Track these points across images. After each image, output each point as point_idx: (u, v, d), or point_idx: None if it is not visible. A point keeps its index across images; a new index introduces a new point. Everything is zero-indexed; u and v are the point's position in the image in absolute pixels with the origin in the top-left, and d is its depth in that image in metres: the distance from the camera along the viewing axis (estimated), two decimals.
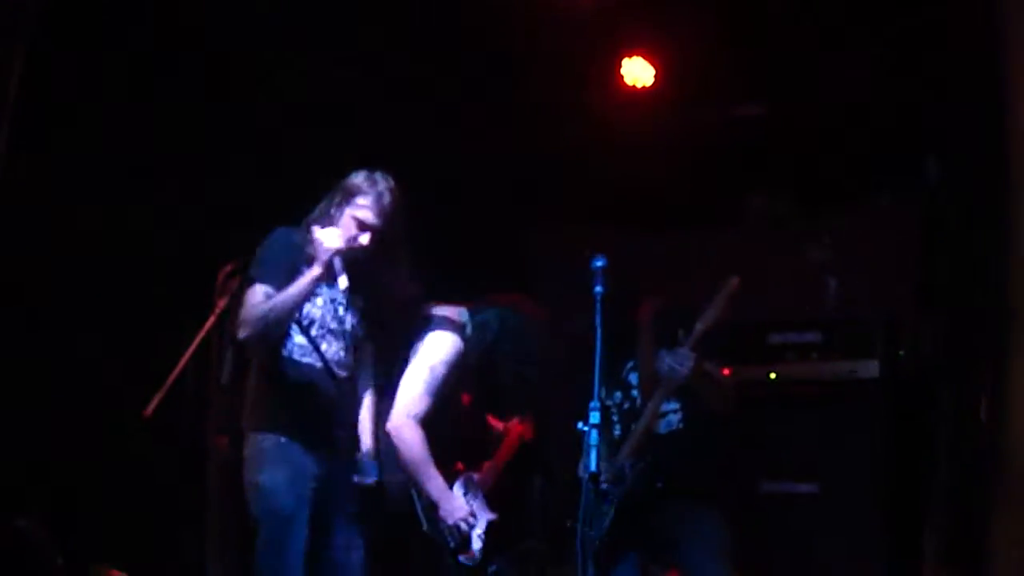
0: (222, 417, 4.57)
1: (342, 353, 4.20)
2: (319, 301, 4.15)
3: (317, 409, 4.12)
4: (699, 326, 4.20)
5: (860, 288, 5.82)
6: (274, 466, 4.02)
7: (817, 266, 6.04)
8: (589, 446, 3.73)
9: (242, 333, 4.04)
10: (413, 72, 5.82)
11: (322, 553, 4.05)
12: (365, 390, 4.38)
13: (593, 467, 3.72)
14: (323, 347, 4.15)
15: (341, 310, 4.19)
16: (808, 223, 6.29)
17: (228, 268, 4.22)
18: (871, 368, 5.32)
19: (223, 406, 4.54)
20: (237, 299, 4.07)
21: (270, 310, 3.99)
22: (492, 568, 5.44)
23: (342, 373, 4.20)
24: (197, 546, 4.93)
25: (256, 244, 4.10)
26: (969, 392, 4.64)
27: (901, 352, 5.41)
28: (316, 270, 4.00)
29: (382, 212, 4.14)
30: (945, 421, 4.86)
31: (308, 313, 4.13)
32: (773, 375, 5.58)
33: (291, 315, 4.05)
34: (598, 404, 3.75)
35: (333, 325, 4.18)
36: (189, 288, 4.56)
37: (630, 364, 4.48)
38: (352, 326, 4.23)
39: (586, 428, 3.76)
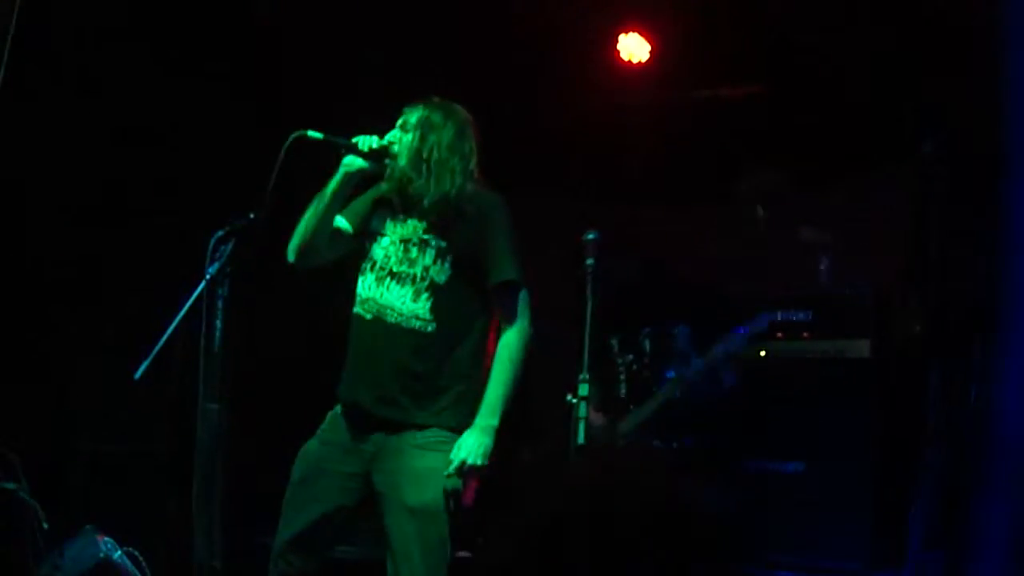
0: (212, 385, 4.55)
1: (406, 299, 3.72)
2: (384, 240, 3.83)
3: (367, 365, 3.77)
4: (719, 351, 4.37)
5: (852, 267, 5.82)
6: (319, 431, 3.86)
7: (809, 244, 6.04)
8: (578, 419, 3.74)
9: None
10: (406, 50, 5.81)
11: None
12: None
13: (581, 439, 3.73)
14: (379, 292, 3.75)
15: (414, 251, 3.77)
16: (802, 201, 6.29)
17: (220, 233, 4.19)
18: (862, 347, 5.31)
19: (213, 374, 4.51)
20: (228, 264, 4.04)
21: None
22: (480, 539, 5.46)
23: (401, 322, 3.72)
24: (184, 515, 4.92)
25: (249, 209, 4.05)
26: (960, 373, 4.65)
27: (892, 332, 5.41)
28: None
29: (408, 113, 3.84)
30: (935, 402, 4.86)
31: (371, 254, 3.84)
32: (763, 353, 5.57)
33: (319, 221, 3.80)
34: (588, 376, 3.76)
35: (399, 268, 3.76)
36: (183, 252, 4.53)
37: (647, 330, 4.54)
38: (424, 268, 3.74)
39: (575, 400, 3.78)
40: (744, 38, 5.66)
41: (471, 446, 3.61)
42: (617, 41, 5.97)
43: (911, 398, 5.08)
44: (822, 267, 5.74)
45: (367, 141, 3.75)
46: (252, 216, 4.36)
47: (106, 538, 4.75)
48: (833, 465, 5.28)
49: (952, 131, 4.89)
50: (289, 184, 4.11)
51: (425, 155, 3.76)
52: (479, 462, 3.60)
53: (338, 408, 3.85)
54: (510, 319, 3.73)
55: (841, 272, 5.78)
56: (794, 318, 5.52)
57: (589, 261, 3.92)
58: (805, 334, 5.49)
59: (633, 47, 5.97)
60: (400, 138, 3.80)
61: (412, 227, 3.79)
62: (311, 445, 3.86)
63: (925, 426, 4.92)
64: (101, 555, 4.67)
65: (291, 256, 3.88)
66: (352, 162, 3.78)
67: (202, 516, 4.68)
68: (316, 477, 3.80)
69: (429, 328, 3.70)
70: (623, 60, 5.98)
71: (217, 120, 5.55)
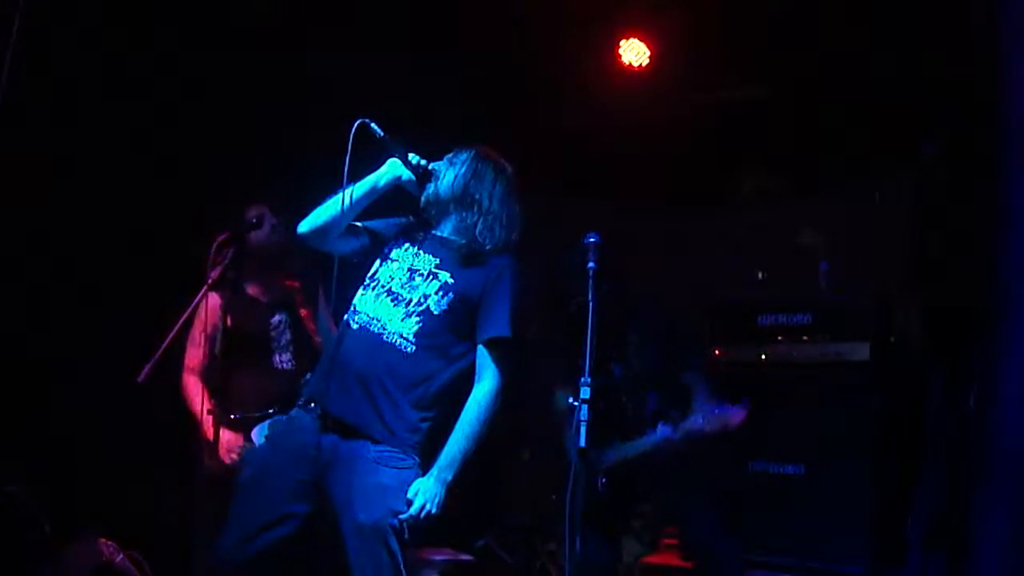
0: (213, 389, 4.55)
1: (395, 318, 3.74)
2: (394, 265, 3.88)
3: (339, 368, 3.73)
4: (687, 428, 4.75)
5: (852, 271, 5.83)
6: (270, 435, 3.85)
7: (809, 248, 6.05)
8: (580, 422, 3.74)
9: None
10: (410, 53, 5.82)
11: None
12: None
13: (583, 443, 3.73)
14: (373, 307, 3.78)
15: (417, 278, 3.82)
16: (802, 205, 6.31)
17: (221, 238, 4.21)
18: (861, 351, 5.32)
19: (214, 378, 4.52)
20: (230, 269, 4.06)
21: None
22: (480, 542, 5.48)
23: (384, 335, 3.73)
24: (186, 518, 4.93)
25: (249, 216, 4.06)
26: (959, 378, 4.66)
27: (892, 336, 5.42)
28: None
29: (460, 151, 3.97)
30: (934, 406, 4.87)
31: (376, 273, 3.88)
32: (763, 356, 5.59)
33: (343, 208, 3.81)
34: (589, 380, 3.76)
35: (400, 290, 3.80)
36: (185, 257, 4.54)
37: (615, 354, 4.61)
38: (423, 296, 3.78)
39: (577, 404, 3.77)
40: (743, 42, 5.68)
41: (430, 494, 3.62)
42: (618, 46, 5.99)
43: (911, 401, 5.09)
44: (822, 270, 5.75)
45: (416, 157, 3.88)
46: (254, 220, 4.39)
47: (108, 542, 4.77)
48: (833, 468, 5.29)
49: (952, 133, 4.91)
50: (284, 174, 4.14)
51: (471, 191, 3.89)
52: (436, 511, 3.62)
53: (293, 412, 3.82)
54: (489, 375, 3.78)
55: (841, 275, 5.79)
56: (794, 321, 5.54)
57: (590, 264, 3.91)
58: (805, 337, 5.50)
59: (633, 52, 5.99)
60: (446, 169, 3.91)
61: (425, 260, 3.86)
62: (261, 448, 3.82)
63: (925, 429, 4.93)
64: (103, 559, 4.68)
65: (303, 227, 3.89)
66: (397, 166, 3.89)
67: (203, 520, 4.70)
68: (263, 481, 3.72)
69: (409, 349, 3.72)
70: (623, 64, 6.00)
71: (218, 123, 5.56)
